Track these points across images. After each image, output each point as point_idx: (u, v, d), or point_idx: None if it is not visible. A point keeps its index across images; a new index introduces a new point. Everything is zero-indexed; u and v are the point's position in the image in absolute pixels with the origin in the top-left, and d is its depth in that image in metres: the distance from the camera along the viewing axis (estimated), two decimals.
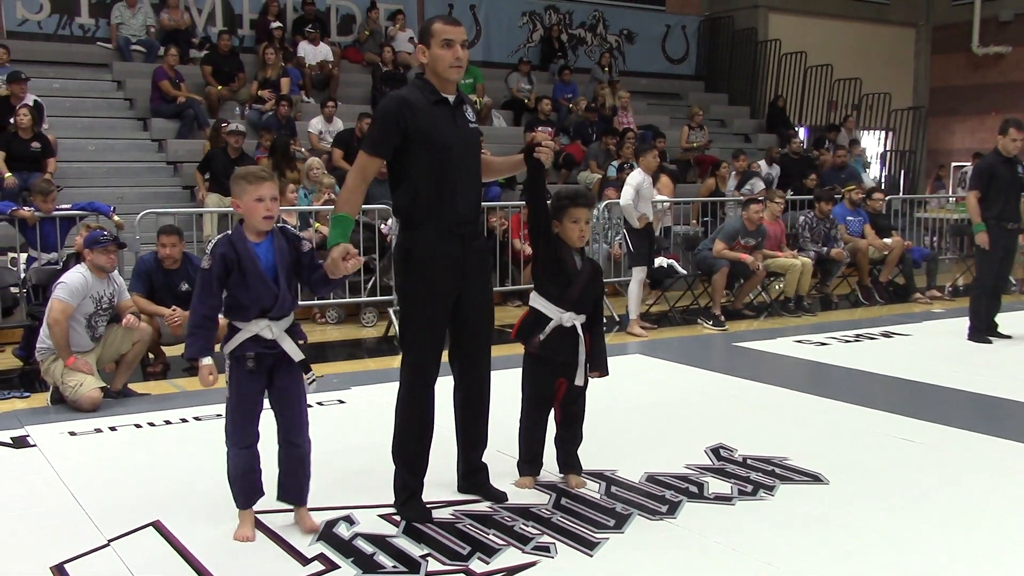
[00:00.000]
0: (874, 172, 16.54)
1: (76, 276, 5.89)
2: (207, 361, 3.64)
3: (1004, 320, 8.20)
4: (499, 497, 4.08)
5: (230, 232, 3.68)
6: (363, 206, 9.10)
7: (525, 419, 4.31)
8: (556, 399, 4.26)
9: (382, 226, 9.06)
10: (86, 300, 5.89)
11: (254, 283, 3.58)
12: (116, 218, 7.95)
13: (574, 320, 4.14)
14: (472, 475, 4.16)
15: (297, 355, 3.68)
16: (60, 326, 5.77)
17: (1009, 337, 7.99)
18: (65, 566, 3.47)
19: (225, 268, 3.57)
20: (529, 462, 4.33)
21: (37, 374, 6.19)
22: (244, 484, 3.75)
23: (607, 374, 4.26)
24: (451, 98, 3.83)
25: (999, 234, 7.79)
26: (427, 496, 4.02)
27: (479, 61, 15.03)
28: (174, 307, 6.59)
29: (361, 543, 3.66)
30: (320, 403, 5.88)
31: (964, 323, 8.15)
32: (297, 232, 3.84)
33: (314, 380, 3.74)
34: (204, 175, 10.17)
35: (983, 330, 7.99)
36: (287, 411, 3.75)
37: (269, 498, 4.12)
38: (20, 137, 9.50)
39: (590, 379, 4.23)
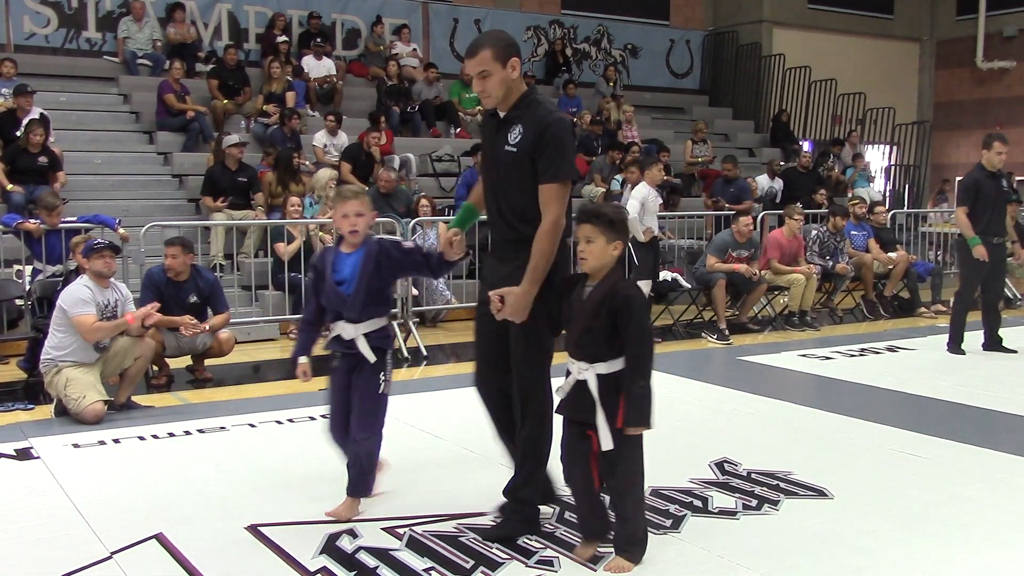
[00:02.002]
0: (878, 186, 16.54)
1: (80, 288, 5.90)
2: (302, 360, 4.09)
3: (1009, 335, 8.19)
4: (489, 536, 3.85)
5: (331, 244, 4.10)
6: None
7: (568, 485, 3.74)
8: (592, 455, 3.52)
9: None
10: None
11: (328, 290, 4.01)
12: (121, 230, 7.97)
13: (583, 371, 3.45)
14: (502, 505, 3.92)
15: (370, 356, 3.98)
16: (100, 331, 5.84)
17: (1015, 352, 7.98)
18: None
19: (315, 276, 4.07)
20: (588, 532, 3.66)
21: (41, 386, 6.19)
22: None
23: (647, 427, 3.43)
24: (502, 115, 3.76)
25: (986, 248, 7.81)
26: (431, 510, 4.01)
27: None
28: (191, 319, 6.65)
29: (364, 556, 3.65)
30: (324, 416, 5.87)
31: (968, 337, 8.11)
32: (396, 239, 4.29)
33: (384, 383, 4.06)
34: (216, 199, 9.97)
35: (958, 343, 8.04)
36: (355, 408, 4.04)
37: (271, 511, 4.12)
38: (28, 151, 9.53)
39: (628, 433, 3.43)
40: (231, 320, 8.01)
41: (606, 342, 3.40)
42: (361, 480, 4.06)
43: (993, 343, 8.11)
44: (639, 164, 10.52)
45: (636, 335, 3.38)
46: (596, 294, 3.43)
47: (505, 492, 3.87)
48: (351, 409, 4.05)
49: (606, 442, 3.40)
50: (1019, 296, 11.70)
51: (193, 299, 6.80)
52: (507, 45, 3.69)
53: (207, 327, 6.73)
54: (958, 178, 17.85)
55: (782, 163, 14.26)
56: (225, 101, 11.95)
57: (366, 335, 3.99)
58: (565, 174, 3.63)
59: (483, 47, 3.67)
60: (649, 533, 3.63)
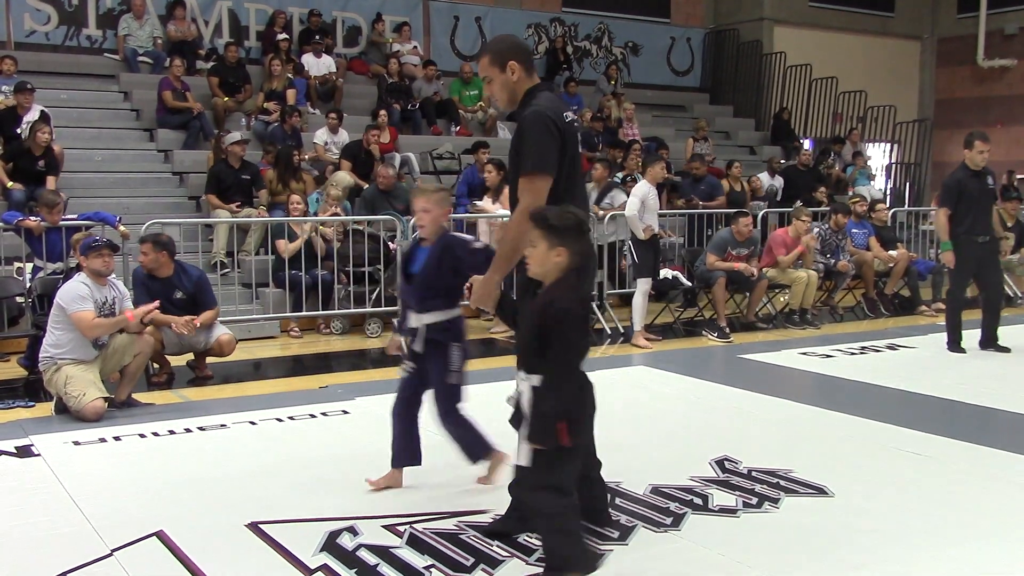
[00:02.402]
0: (879, 184, 16.53)
1: (78, 285, 5.90)
2: (396, 336, 4.54)
3: (1009, 333, 8.18)
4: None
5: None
6: (368, 217, 9.24)
7: None
8: None
9: (389, 241, 9.04)
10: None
11: (400, 279, 4.40)
12: (122, 228, 7.98)
13: (521, 382, 3.31)
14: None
15: (417, 346, 4.22)
16: (99, 328, 5.85)
17: (1008, 350, 7.93)
18: None
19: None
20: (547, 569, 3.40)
21: (42, 383, 6.19)
22: (394, 445, 4.37)
23: (544, 446, 3.19)
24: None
25: (970, 248, 7.78)
26: (431, 508, 4.01)
27: None
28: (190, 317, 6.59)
29: (365, 554, 3.65)
30: (324, 413, 5.89)
31: (968, 335, 8.09)
32: (467, 238, 4.41)
33: (451, 372, 4.21)
34: (223, 199, 9.90)
35: (957, 341, 8.04)
36: (432, 395, 4.29)
37: (271, 509, 4.13)
38: (31, 153, 9.46)
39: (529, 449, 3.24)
40: (232, 318, 8.04)
41: (539, 354, 3.23)
42: (474, 447, 4.30)
43: (989, 341, 8.03)
44: (603, 162, 10.63)
45: (559, 350, 3.20)
46: (538, 302, 3.29)
47: (510, 488, 3.87)
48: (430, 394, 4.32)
49: (521, 457, 3.25)
50: (1019, 294, 11.70)
51: (179, 295, 6.78)
52: (506, 49, 3.76)
53: (197, 322, 6.65)
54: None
55: (782, 161, 14.26)
56: (226, 99, 11.94)
57: (427, 326, 4.18)
58: (533, 166, 3.57)
59: (483, 54, 3.83)
60: (649, 531, 3.60)
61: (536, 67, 3.90)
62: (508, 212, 9.18)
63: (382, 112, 11.93)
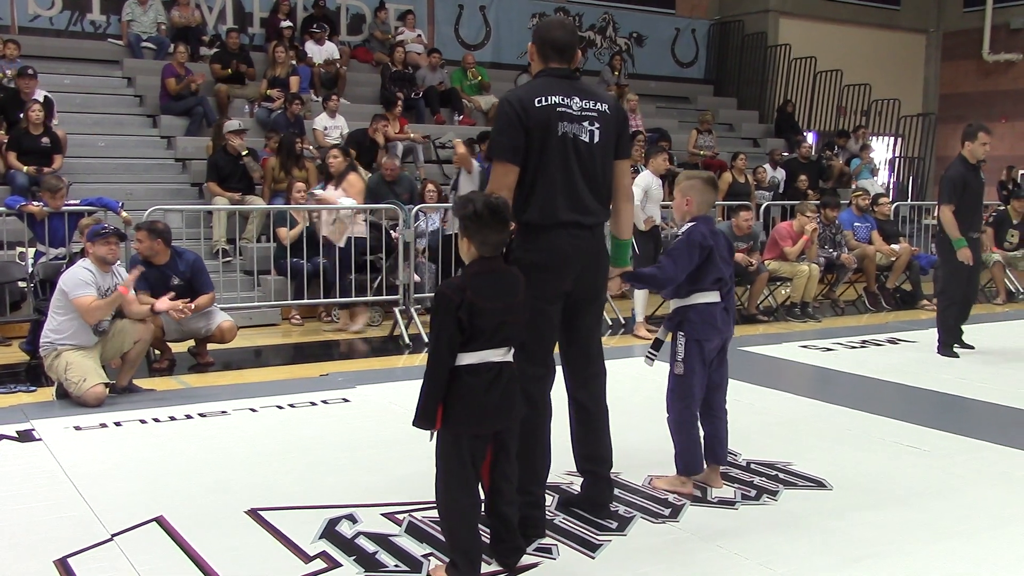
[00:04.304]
0: (882, 178, 16.51)
1: (82, 271, 5.90)
2: None
3: (1012, 329, 8.16)
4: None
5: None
6: (371, 206, 9.21)
7: None
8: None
9: (392, 230, 9.02)
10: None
11: None
12: (124, 214, 7.98)
13: None
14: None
15: (660, 333, 4.32)
16: (98, 310, 5.83)
17: (972, 348, 7.74)
18: (68, 560, 3.48)
19: None
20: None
21: (43, 368, 6.20)
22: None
23: (417, 426, 3.23)
24: None
25: (971, 246, 7.44)
26: (430, 496, 4.02)
27: (488, 63, 15.06)
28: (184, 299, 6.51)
29: (363, 542, 3.66)
30: (325, 401, 5.90)
31: (970, 330, 8.08)
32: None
33: (676, 363, 4.20)
34: (230, 191, 9.89)
35: (951, 344, 7.69)
36: None
37: (271, 495, 4.14)
38: (30, 133, 9.52)
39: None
40: (234, 305, 8.04)
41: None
42: (678, 457, 4.23)
43: (955, 338, 7.75)
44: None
45: (430, 335, 3.23)
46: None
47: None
48: None
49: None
50: (1021, 289, 11.69)
51: (176, 281, 6.78)
52: (535, 31, 3.85)
53: (192, 307, 6.59)
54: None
55: (784, 153, 14.23)
56: (227, 84, 11.88)
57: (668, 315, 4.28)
58: (488, 152, 3.72)
59: None
60: (648, 522, 3.61)
61: (560, 56, 3.75)
62: (352, 201, 8.75)
63: (399, 104, 11.93)
